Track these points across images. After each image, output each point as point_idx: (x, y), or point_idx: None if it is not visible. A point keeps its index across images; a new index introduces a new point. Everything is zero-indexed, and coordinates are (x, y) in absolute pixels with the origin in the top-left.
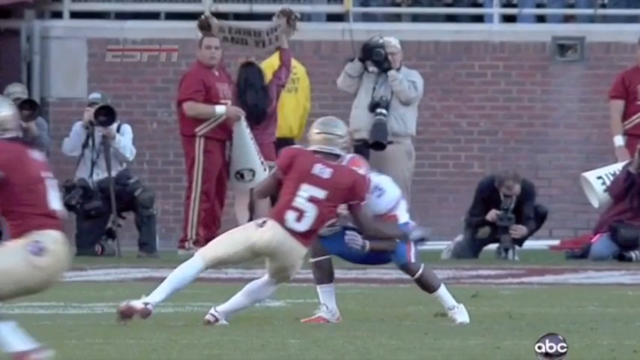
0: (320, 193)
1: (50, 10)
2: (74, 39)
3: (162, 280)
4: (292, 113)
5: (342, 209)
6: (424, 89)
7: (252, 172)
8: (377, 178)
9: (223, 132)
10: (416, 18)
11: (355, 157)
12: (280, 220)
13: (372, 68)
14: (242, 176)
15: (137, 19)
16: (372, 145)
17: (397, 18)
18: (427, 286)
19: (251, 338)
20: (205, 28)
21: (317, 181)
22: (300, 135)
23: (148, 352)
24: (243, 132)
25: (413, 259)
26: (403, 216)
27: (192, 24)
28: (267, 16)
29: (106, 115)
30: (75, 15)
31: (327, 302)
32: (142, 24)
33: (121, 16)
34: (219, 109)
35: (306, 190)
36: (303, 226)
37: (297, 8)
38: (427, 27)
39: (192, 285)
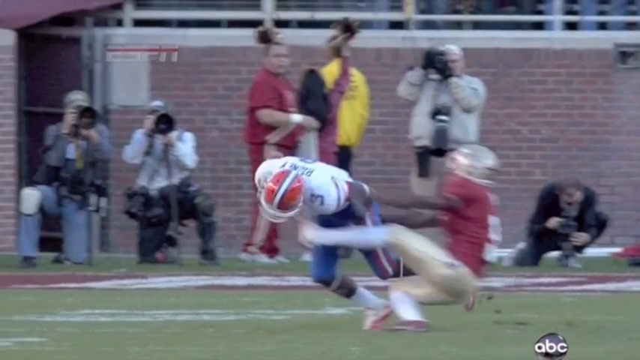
0: (495, 221)
1: (113, 19)
2: (136, 47)
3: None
4: (350, 121)
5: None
6: (486, 96)
7: None
8: (313, 182)
9: (292, 140)
10: (477, 25)
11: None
12: (481, 256)
13: (433, 76)
14: None
15: (199, 27)
16: (433, 152)
17: (458, 25)
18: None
19: (312, 346)
20: (265, 40)
21: (494, 211)
22: (357, 143)
23: None
24: (312, 142)
25: (389, 270)
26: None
27: (253, 32)
28: (329, 24)
29: (166, 123)
30: (137, 23)
31: (366, 306)
32: (203, 32)
33: (183, 24)
34: (295, 117)
35: (492, 221)
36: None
37: (358, 16)
38: (489, 34)
39: (254, 292)
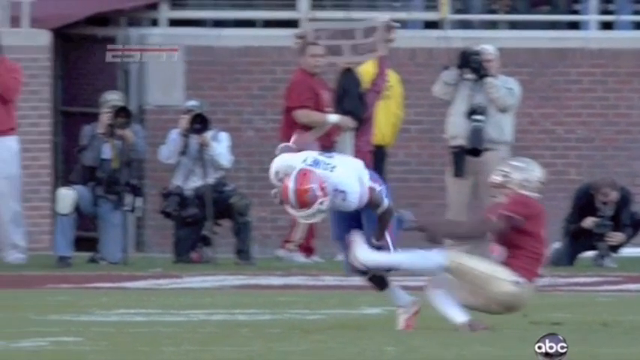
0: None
1: (148, 18)
2: (171, 46)
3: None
4: (385, 121)
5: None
6: (521, 96)
7: None
8: (335, 179)
9: (328, 140)
10: (513, 25)
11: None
12: (538, 271)
13: (468, 75)
14: None
15: (234, 27)
16: (468, 152)
17: (494, 25)
18: None
19: (347, 346)
20: (305, 44)
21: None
22: (392, 143)
23: (244, 359)
24: (348, 142)
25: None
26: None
27: (289, 31)
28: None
29: (200, 122)
30: (172, 23)
31: (397, 304)
32: (239, 32)
33: (219, 23)
34: (332, 117)
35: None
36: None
37: (393, 15)
38: (524, 34)
39: (289, 292)
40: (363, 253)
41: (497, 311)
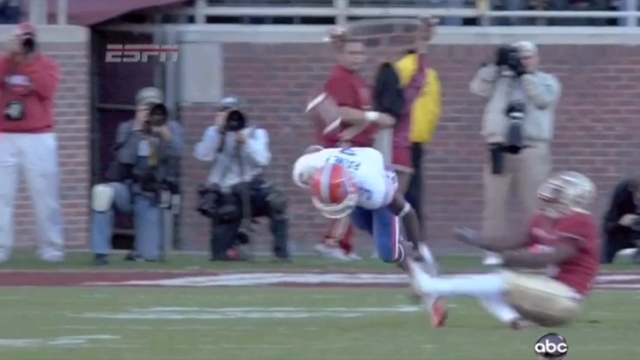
0: None
1: (185, 15)
2: (208, 43)
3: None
4: (421, 118)
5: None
6: (559, 93)
7: None
8: (361, 177)
9: (365, 137)
10: (551, 21)
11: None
12: (591, 286)
13: (506, 72)
14: None
15: (271, 24)
16: (507, 149)
17: (532, 21)
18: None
19: (385, 343)
20: (338, 45)
21: None
22: (428, 140)
23: (281, 357)
24: (384, 140)
25: (396, 254)
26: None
27: (326, 28)
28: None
29: (237, 119)
30: (209, 19)
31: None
32: (276, 28)
33: (256, 20)
34: (371, 115)
35: None
36: None
37: (431, 12)
38: (562, 30)
39: (326, 290)
40: (426, 282)
41: (549, 324)
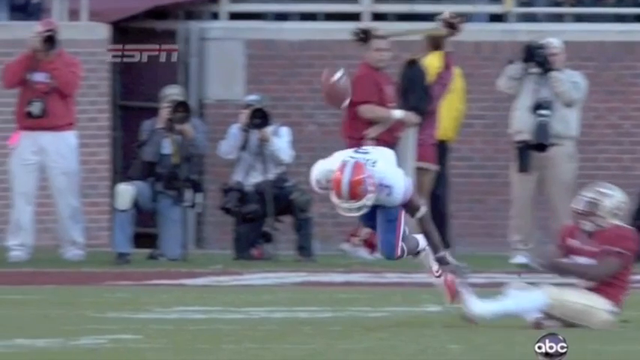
0: None
1: (208, 12)
2: (232, 40)
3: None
4: (446, 115)
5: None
6: (587, 90)
7: None
8: (380, 174)
9: (391, 135)
10: (578, 18)
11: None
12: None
13: (533, 69)
14: None
15: (296, 20)
16: (534, 147)
17: (559, 18)
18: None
19: (410, 343)
20: (362, 40)
21: None
22: (453, 137)
23: (305, 357)
24: (410, 138)
25: (399, 253)
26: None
27: (351, 25)
28: (429, 17)
29: (260, 117)
30: (233, 16)
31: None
32: (300, 25)
33: (280, 17)
34: (396, 113)
35: None
36: None
37: (457, 9)
38: (590, 27)
39: (351, 289)
40: (475, 305)
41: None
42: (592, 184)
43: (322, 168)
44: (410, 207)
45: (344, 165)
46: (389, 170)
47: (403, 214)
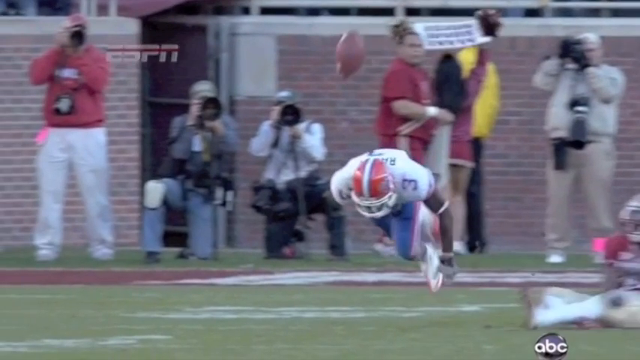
0: None
1: (239, 6)
2: (263, 35)
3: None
4: (480, 112)
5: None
6: (624, 86)
7: (438, 176)
8: (400, 170)
9: (425, 132)
10: (616, 13)
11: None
12: None
13: (570, 65)
14: None
15: (328, 15)
16: (570, 144)
17: (596, 13)
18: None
19: (444, 344)
20: (400, 35)
21: None
22: (487, 134)
23: (337, 358)
24: (444, 136)
25: (414, 252)
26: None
27: (384, 20)
28: (462, 12)
29: (292, 114)
30: (264, 11)
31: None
32: (332, 20)
33: (312, 12)
34: (431, 110)
35: None
36: None
37: (493, 4)
38: (628, 22)
39: (384, 289)
40: (542, 317)
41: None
42: (638, 195)
43: (340, 177)
44: (433, 201)
45: (364, 164)
46: (408, 166)
47: (421, 214)
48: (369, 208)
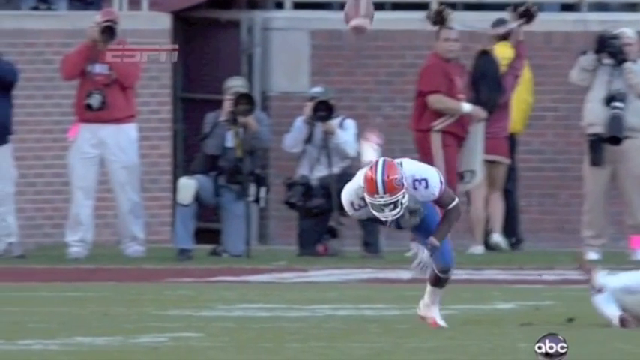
0: None
1: (272, 1)
2: (296, 30)
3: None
4: (515, 107)
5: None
6: None
7: (473, 173)
8: (409, 172)
9: (460, 128)
10: None
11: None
12: None
13: (606, 60)
14: (461, 177)
15: None
16: (607, 140)
17: (633, 7)
18: None
19: (480, 341)
20: (439, 22)
21: None
22: (521, 130)
23: (371, 356)
24: (479, 133)
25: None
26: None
27: (419, 14)
28: (497, 6)
29: (325, 110)
30: (297, 6)
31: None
32: None
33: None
34: (466, 106)
35: None
36: None
37: None
38: None
39: (419, 286)
40: (603, 279)
41: None
42: None
43: (350, 189)
44: (445, 197)
45: (374, 165)
46: (416, 167)
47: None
48: (383, 209)
